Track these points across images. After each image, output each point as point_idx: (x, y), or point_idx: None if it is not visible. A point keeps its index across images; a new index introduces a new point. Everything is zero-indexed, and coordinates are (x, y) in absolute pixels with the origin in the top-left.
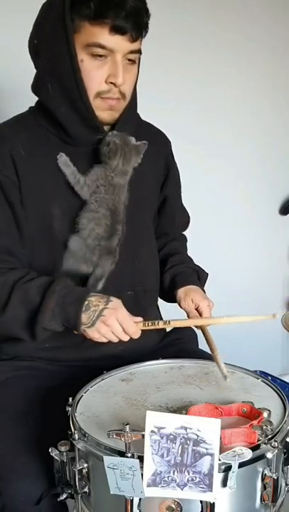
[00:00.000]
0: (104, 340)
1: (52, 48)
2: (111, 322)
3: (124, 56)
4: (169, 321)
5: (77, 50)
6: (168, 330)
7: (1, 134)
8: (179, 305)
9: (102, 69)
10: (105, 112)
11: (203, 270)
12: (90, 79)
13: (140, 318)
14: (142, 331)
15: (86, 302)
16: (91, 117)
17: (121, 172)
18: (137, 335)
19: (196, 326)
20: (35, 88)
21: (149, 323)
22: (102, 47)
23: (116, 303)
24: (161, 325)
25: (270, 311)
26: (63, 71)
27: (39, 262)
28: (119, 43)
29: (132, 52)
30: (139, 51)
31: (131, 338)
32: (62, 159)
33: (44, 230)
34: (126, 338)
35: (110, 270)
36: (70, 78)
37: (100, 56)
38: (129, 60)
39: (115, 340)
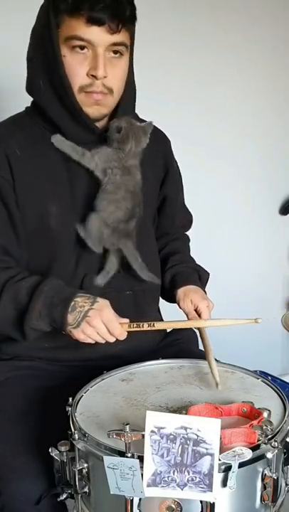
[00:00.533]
0: (90, 341)
1: (40, 45)
2: (96, 323)
3: (107, 49)
4: (153, 323)
5: (61, 43)
6: (168, 330)
7: None
8: (178, 305)
9: (84, 63)
10: (92, 107)
11: (205, 270)
12: (73, 74)
13: (126, 320)
14: (128, 332)
15: (72, 303)
16: (78, 112)
17: (134, 154)
18: (122, 336)
19: (195, 314)
20: (29, 88)
21: (134, 325)
22: (80, 39)
23: (102, 304)
24: (145, 327)
25: (271, 311)
26: (50, 68)
27: (36, 261)
28: (97, 35)
29: (114, 44)
30: (123, 44)
31: (117, 339)
32: (57, 138)
33: (41, 229)
34: (112, 340)
35: (132, 252)
36: (56, 74)
37: (81, 49)
38: (115, 53)
39: (101, 341)
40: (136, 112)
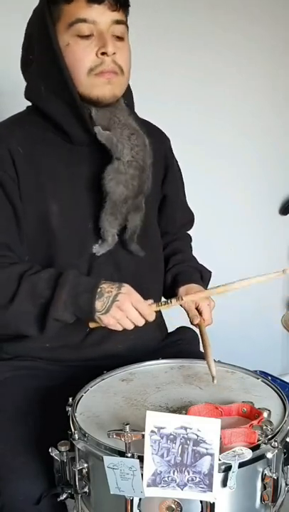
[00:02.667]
0: (119, 327)
1: (38, 43)
2: (126, 307)
3: (110, 28)
4: (181, 297)
5: (61, 35)
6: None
7: None
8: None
9: (90, 46)
10: (104, 87)
11: (207, 269)
12: (80, 58)
13: (151, 301)
14: (156, 312)
15: (99, 289)
16: (78, 109)
17: (126, 114)
18: (152, 317)
19: (196, 312)
20: (28, 94)
21: (162, 303)
22: (83, 20)
23: (128, 288)
24: (174, 302)
25: (270, 311)
26: (49, 65)
27: (35, 258)
28: (100, 13)
29: (117, 22)
30: (123, 22)
31: (146, 322)
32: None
33: (41, 226)
34: (141, 323)
35: (140, 225)
36: (55, 68)
37: (86, 32)
38: (117, 37)
39: (130, 326)
40: (135, 111)
